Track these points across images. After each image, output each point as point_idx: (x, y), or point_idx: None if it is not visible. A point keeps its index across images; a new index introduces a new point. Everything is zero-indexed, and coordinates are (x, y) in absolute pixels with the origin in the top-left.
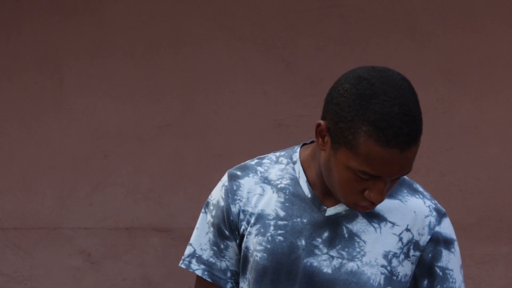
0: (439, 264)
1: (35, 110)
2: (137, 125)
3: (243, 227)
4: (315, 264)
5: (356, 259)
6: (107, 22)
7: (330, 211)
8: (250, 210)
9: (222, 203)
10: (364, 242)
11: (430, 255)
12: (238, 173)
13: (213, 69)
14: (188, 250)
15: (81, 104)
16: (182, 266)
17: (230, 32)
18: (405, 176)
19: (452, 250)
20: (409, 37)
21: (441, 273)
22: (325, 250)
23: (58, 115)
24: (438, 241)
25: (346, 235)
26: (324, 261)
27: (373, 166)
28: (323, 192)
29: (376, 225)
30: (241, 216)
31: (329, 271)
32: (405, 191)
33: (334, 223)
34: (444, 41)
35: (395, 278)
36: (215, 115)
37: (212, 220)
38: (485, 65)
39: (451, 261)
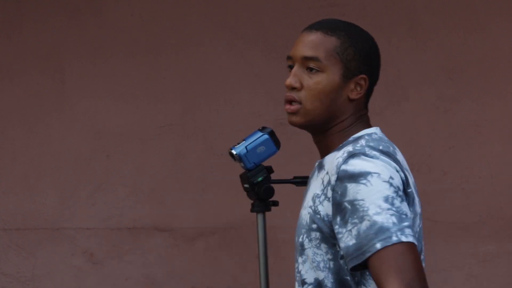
0: (346, 198)
1: (37, 111)
2: (139, 125)
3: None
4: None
5: (302, 206)
6: (109, 22)
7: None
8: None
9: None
10: (308, 190)
11: (339, 192)
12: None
13: (215, 69)
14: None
15: (83, 105)
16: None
17: (232, 31)
18: (366, 137)
19: (362, 181)
20: (411, 36)
21: (349, 206)
22: (304, 204)
23: (60, 115)
24: (344, 178)
25: (308, 187)
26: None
27: (292, 49)
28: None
29: (317, 173)
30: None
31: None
32: (350, 145)
33: (311, 179)
34: (446, 40)
35: (318, 216)
36: (217, 114)
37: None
38: (487, 64)
39: (360, 192)
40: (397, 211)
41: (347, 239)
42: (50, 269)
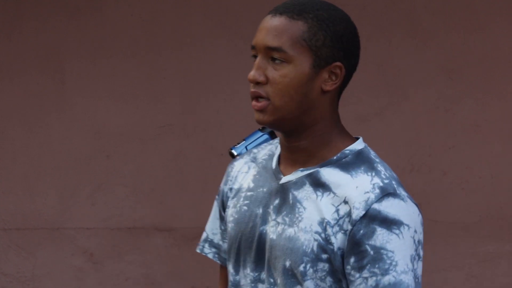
0: (370, 242)
1: (37, 111)
2: (139, 125)
3: (227, 203)
4: (265, 231)
5: (295, 225)
6: (109, 22)
7: (284, 179)
8: (234, 187)
9: (220, 187)
10: (304, 208)
11: (361, 231)
12: (238, 157)
13: (215, 69)
14: (203, 236)
15: (83, 105)
16: (198, 251)
17: (232, 31)
18: (371, 155)
19: (395, 231)
20: (411, 36)
21: (372, 252)
22: (274, 217)
23: (60, 115)
24: (374, 219)
25: (291, 202)
26: (272, 227)
27: (255, 36)
28: (287, 163)
29: (319, 194)
30: (228, 194)
31: (274, 237)
32: (363, 168)
33: (285, 190)
34: (446, 40)
35: (331, 248)
36: (217, 114)
37: (217, 204)
38: (487, 64)
39: (391, 242)
40: (415, 275)
41: (360, 286)
42: (50, 269)
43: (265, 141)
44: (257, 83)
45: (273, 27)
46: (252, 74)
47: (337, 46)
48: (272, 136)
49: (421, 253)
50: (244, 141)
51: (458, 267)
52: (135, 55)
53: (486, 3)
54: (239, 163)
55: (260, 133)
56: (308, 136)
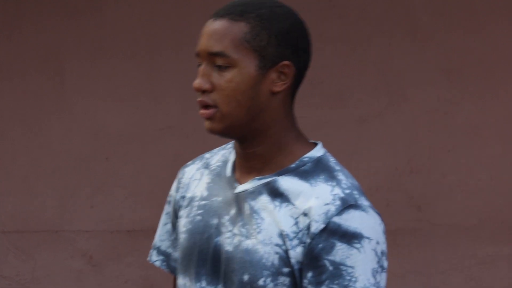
0: (329, 257)
1: (36, 112)
2: (138, 127)
3: (179, 212)
4: (220, 242)
5: (252, 237)
6: (108, 23)
7: (239, 188)
8: (187, 195)
9: (171, 193)
10: (262, 219)
11: (320, 245)
12: (189, 162)
13: None
14: (153, 243)
15: (82, 106)
16: (148, 259)
17: None
18: (331, 163)
19: (356, 245)
20: (410, 38)
21: (331, 267)
22: (230, 228)
23: (59, 116)
24: (334, 233)
25: (248, 212)
26: (227, 239)
27: (198, 43)
28: (243, 171)
29: (277, 204)
30: (180, 203)
31: (230, 248)
32: (322, 176)
33: (241, 200)
34: (445, 41)
35: (291, 260)
36: None
37: (167, 210)
38: (486, 65)
39: (351, 257)
40: None
41: None
42: (49, 271)
43: None
44: (203, 91)
45: (214, 31)
46: (197, 82)
47: (283, 44)
48: None
49: (385, 264)
50: None
51: (458, 270)
52: (135, 56)
53: (486, 3)
54: (190, 169)
55: None
56: (262, 142)
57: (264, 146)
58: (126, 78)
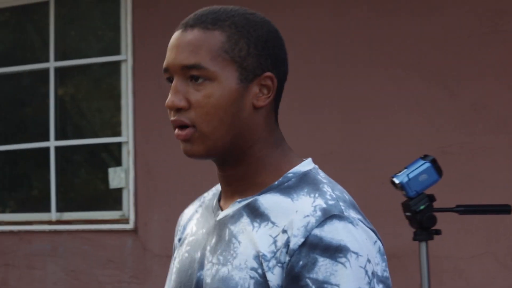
0: (311, 275)
1: None
2: (300, 152)
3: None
4: (203, 276)
5: (228, 263)
6: None
7: (221, 214)
8: (182, 236)
9: (174, 241)
10: (239, 243)
11: (301, 262)
12: (190, 204)
13: (375, 97)
14: None
15: None
16: None
17: (394, 60)
18: (319, 176)
19: (341, 260)
20: None
21: (314, 287)
22: (210, 258)
23: None
24: (315, 247)
25: (227, 238)
26: (208, 271)
27: (165, 58)
28: (227, 196)
29: (256, 224)
30: (177, 246)
31: (209, 280)
32: (306, 190)
33: (222, 226)
34: None
35: (270, 284)
36: (377, 143)
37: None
38: None
39: (336, 274)
40: None
41: None
42: None
43: (427, 169)
44: (178, 110)
45: (186, 43)
46: (171, 100)
47: (263, 53)
48: (434, 164)
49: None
50: (405, 169)
51: None
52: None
53: None
54: (188, 211)
55: (422, 161)
56: (244, 162)
57: (246, 166)
58: (286, 106)
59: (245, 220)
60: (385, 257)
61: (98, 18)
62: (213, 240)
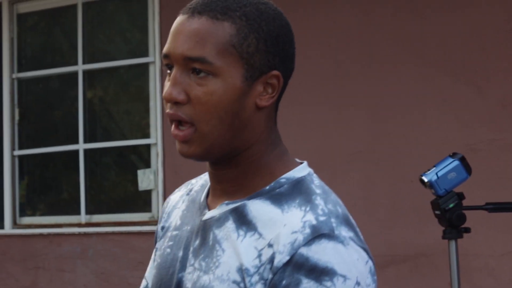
0: None
1: None
2: (328, 152)
3: (157, 245)
4: (183, 278)
5: (210, 272)
6: None
7: (207, 215)
8: (165, 225)
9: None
10: (223, 251)
11: (284, 282)
12: (176, 189)
13: (403, 95)
14: (142, 284)
15: None
16: None
17: (420, 58)
18: (313, 185)
19: (326, 284)
20: None
21: None
22: (192, 261)
23: None
24: (300, 267)
25: (210, 243)
26: (189, 274)
27: (167, 43)
28: (215, 195)
29: (242, 233)
30: (159, 234)
31: (189, 285)
32: (298, 200)
33: (206, 228)
34: None
35: None
36: (405, 141)
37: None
38: None
39: None
40: None
41: None
42: None
43: (456, 167)
44: (176, 103)
45: (192, 32)
46: (169, 92)
47: (272, 50)
48: (463, 162)
49: None
50: (434, 168)
51: None
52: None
53: None
54: (175, 197)
55: (451, 159)
56: (238, 163)
57: (239, 167)
58: (315, 104)
59: (230, 225)
60: (375, 277)
61: (126, 20)
62: (197, 242)
